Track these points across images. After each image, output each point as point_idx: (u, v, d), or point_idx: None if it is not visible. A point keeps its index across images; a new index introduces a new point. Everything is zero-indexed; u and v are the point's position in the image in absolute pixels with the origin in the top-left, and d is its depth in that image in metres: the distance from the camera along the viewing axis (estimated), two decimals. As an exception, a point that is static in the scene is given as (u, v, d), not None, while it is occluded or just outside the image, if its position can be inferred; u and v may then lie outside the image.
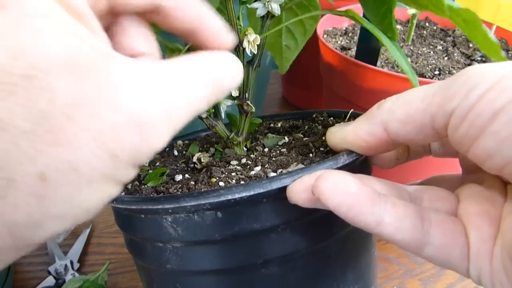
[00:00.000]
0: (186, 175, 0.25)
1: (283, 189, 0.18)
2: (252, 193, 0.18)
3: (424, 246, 0.17)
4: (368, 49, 0.38)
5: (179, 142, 0.33)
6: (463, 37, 0.50)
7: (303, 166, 0.21)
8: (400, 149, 0.22)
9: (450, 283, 0.38)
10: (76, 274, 0.37)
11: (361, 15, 0.39)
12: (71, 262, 0.38)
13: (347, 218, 0.16)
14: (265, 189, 0.18)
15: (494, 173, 0.15)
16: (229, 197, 0.18)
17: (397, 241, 0.17)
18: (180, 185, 0.22)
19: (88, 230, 0.42)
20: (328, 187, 0.16)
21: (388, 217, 0.16)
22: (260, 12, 0.25)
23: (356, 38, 0.49)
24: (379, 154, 0.21)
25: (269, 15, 0.25)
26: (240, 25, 0.24)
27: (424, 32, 0.51)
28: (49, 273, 0.37)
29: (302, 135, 0.28)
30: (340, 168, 0.19)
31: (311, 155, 0.23)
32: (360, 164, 0.22)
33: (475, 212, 0.17)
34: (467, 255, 0.16)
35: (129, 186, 0.25)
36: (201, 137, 0.34)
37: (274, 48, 0.32)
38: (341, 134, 0.20)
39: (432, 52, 0.46)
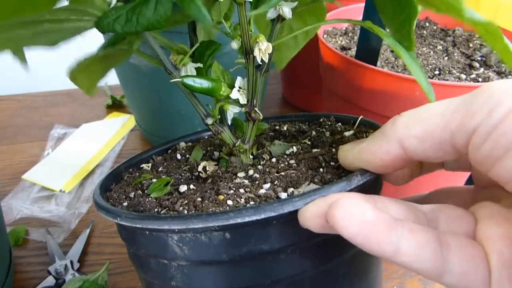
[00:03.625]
0: (191, 186, 0.24)
1: (295, 211, 0.18)
2: (263, 216, 0.17)
3: (443, 274, 0.16)
4: (368, 49, 0.38)
5: (182, 144, 0.32)
6: (463, 37, 0.49)
7: (315, 186, 0.20)
8: (414, 165, 0.22)
9: (450, 285, 0.38)
10: (76, 274, 0.37)
11: (361, 16, 0.38)
12: (71, 262, 0.38)
13: (363, 247, 0.16)
14: (277, 212, 0.17)
15: None
16: (239, 220, 0.17)
17: (415, 269, 0.16)
18: (186, 201, 0.21)
19: (88, 230, 0.42)
20: (342, 216, 0.16)
21: (406, 245, 0.16)
22: (271, 15, 0.24)
23: (356, 38, 0.49)
24: (394, 171, 0.21)
25: (279, 18, 0.24)
26: (251, 31, 0.22)
27: (424, 32, 0.51)
28: (49, 273, 0.37)
29: (310, 143, 0.27)
30: (353, 189, 0.19)
31: (321, 169, 0.22)
32: (372, 182, 0.21)
33: (496, 235, 0.16)
34: (489, 280, 0.16)
35: (132, 195, 0.25)
36: (204, 139, 0.33)
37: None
38: (355, 153, 0.19)
39: (432, 52, 0.45)
